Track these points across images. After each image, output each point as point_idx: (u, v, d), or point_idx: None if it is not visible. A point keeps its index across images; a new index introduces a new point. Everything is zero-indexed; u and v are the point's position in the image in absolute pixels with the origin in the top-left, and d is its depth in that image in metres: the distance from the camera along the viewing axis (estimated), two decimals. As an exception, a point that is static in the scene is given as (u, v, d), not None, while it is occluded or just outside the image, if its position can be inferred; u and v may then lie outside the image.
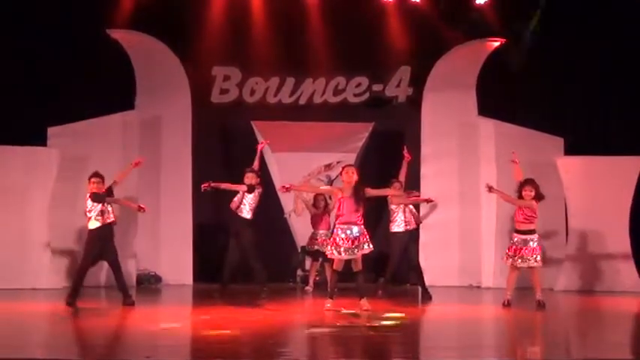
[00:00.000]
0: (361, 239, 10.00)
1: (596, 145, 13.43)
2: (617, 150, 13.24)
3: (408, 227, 11.77)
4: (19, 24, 13.33)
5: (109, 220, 10.52)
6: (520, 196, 10.71)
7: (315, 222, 12.90)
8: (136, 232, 13.40)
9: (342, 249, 9.98)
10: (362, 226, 10.05)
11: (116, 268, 10.61)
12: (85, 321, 9.60)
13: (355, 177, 10.06)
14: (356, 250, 9.99)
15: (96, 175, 10.60)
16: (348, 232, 9.99)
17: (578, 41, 13.67)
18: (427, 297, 11.74)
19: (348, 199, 10.01)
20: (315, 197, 12.92)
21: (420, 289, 12.01)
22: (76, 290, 10.40)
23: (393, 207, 11.80)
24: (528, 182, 10.72)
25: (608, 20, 13.53)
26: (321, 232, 12.79)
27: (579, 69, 13.81)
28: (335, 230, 10.16)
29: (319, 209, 12.84)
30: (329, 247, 10.26)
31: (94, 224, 10.46)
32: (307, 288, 12.86)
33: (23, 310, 10.36)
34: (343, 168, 10.29)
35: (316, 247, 12.74)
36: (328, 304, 10.22)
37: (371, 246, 10.06)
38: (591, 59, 13.77)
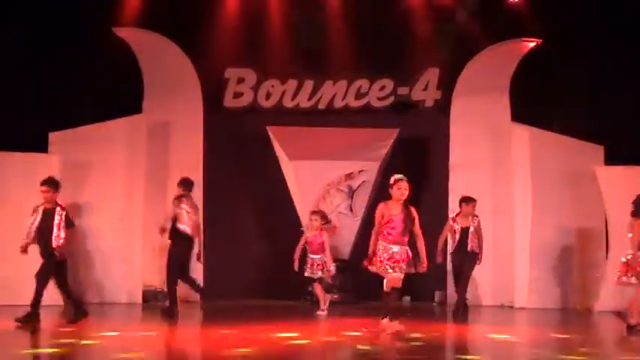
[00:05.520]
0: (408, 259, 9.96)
1: (640, 153, 13.52)
2: (662, 159, 13.31)
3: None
4: (18, 24, 13.57)
5: None
6: None
7: (311, 243, 12.25)
8: (140, 246, 13.60)
9: (396, 266, 9.84)
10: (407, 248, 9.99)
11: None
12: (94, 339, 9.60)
13: (407, 193, 9.88)
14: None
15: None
16: (395, 248, 9.87)
17: (620, 41, 13.78)
18: (460, 315, 11.91)
19: (398, 217, 9.87)
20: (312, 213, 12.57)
21: (455, 303, 12.21)
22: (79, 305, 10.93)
23: (456, 227, 12.14)
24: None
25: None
26: (317, 257, 12.24)
27: (621, 71, 13.86)
28: (384, 247, 9.87)
29: (324, 225, 12.32)
30: (382, 263, 9.85)
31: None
32: (320, 312, 12.23)
33: (22, 330, 10.23)
34: (397, 181, 9.92)
35: (319, 274, 12.28)
36: (387, 323, 9.93)
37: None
38: (634, 60, 13.83)
